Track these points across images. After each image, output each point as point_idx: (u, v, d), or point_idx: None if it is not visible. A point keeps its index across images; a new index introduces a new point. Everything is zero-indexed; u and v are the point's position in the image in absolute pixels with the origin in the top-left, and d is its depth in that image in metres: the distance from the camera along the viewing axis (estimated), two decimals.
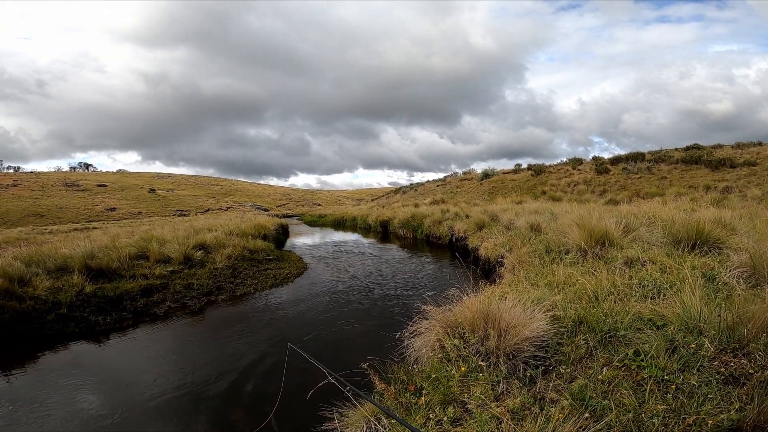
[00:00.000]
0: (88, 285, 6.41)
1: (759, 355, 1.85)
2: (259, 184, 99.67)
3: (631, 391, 1.75)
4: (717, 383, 1.71)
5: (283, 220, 25.85)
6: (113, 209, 49.57)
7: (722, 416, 1.37)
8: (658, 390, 1.73)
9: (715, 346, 2.01)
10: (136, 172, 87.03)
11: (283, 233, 19.98)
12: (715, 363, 1.87)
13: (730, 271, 3.32)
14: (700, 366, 1.89)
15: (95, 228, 21.66)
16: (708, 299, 2.68)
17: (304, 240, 19.01)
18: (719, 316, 2.20)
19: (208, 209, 56.52)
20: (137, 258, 8.37)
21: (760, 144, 23.14)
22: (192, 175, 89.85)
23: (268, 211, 55.71)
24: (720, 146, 24.39)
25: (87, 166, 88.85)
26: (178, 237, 10.19)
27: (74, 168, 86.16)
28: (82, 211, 47.05)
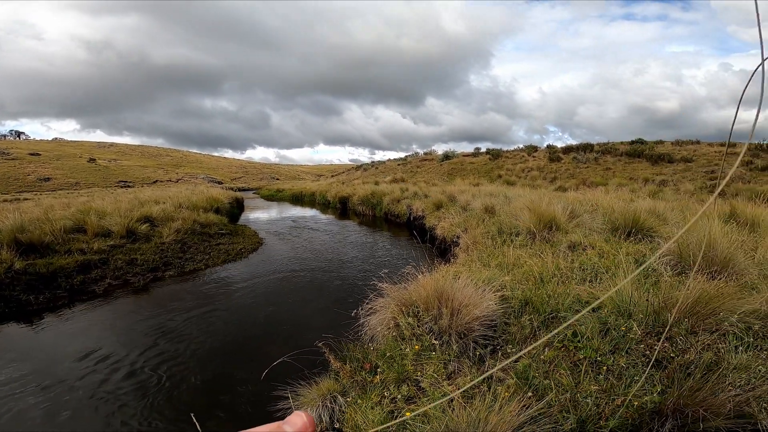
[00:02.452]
0: (18, 261, 5.85)
1: (680, 340, 2.07)
2: (213, 156, 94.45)
3: (568, 372, 1.90)
4: (642, 365, 1.90)
5: (238, 194, 24.87)
6: (47, 179, 45.01)
7: (646, 398, 1.53)
8: (592, 371, 1.90)
9: (642, 330, 2.22)
10: (75, 141, 78.98)
11: (237, 207, 19.27)
12: (641, 346, 2.07)
13: (659, 259, 3.65)
14: (628, 348, 2.08)
15: (26, 199, 19.67)
16: (638, 284, 2.94)
17: (260, 214, 18.45)
18: (647, 300, 2.43)
19: (156, 181, 52.91)
20: (74, 231, 7.74)
21: (697, 142, 25.27)
22: (138, 145, 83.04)
23: (222, 184, 53.23)
24: (661, 142, 26.36)
25: (19, 134, 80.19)
26: (121, 209, 9.51)
27: (4, 136, 77.17)
28: (12, 181, 42.30)
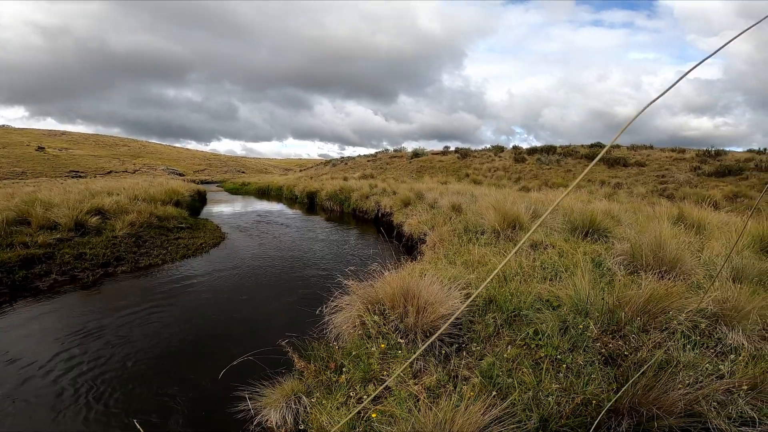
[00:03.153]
0: None
1: (633, 338, 2.17)
2: (174, 147, 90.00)
3: (530, 370, 1.94)
4: (599, 363, 1.98)
5: (201, 187, 23.87)
6: None
7: (603, 396, 1.59)
8: (552, 369, 1.95)
9: (599, 328, 2.31)
10: (22, 128, 72.71)
11: (199, 200, 18.49)
12: (597, 344, 2.15)
13: (614, 257, 3.83)
14: (585, 346, 2.16)
15: None
16: (594, 283, 3.06)
17: (223, 208, 17.80)
18: (603, 299, 2.53)
19: (111, 171, 49.77)
20: (16, 224, 7.14)
21: (651, 147, 26.88)
22: (92, 134, 77.68)
23: (183, 176, 50.91)
24: (618, 146, 27.82)
25: None
26: (69, 201, 8.85)
27: None
28: None
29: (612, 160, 22.65)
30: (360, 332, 2.80)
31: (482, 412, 1.49)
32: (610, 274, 3.48)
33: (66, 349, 3.73)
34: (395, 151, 36.39)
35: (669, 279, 3.16)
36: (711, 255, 3.93)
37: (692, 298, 2.52)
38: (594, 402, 1.57)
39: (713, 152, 21.79)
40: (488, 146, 32.34)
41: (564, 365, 1.97)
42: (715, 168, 17.87)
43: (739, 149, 22.89)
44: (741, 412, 1.54)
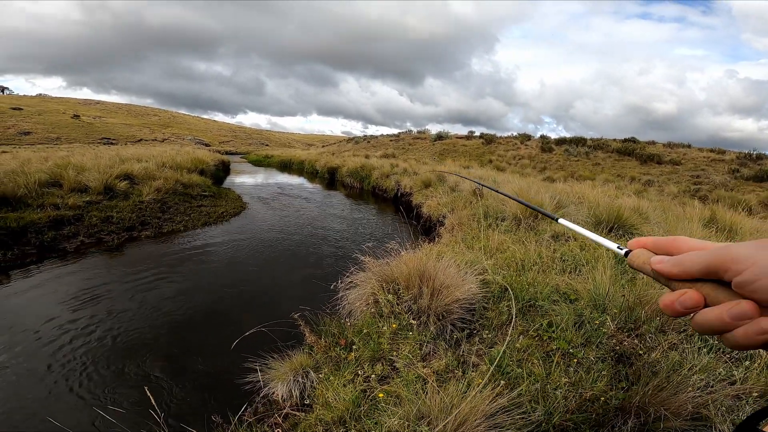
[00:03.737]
0: None
1: (650, 337, 2.10)
2: (202, 119, 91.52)
3: (541, 362, 1.91)
4: (611, 360, 1.93)
5: (225, 157, 24.27)
6: (27, 133, 43.01)
7: (611, 393, 1.55)
8: (563, 362, 1.92)
9: (615, 324, 2.25)
10: (59, 97, 75.42)
11: (223, 170, 18.85)
12: (612, 341, 2.10)
13: None
14: (599, 342, 2.11)
15: (4, 152, 18.80)
16: (615, 279, 2.97)
17: (245, 179, 18.08)
18: (623, 296, 2.45)
19: (141, 140, 51.13)
20: (49, 186, 7.45)
21: (688, 146, 25.59)
22: (125, 104, 79.86)
23: (209, 146, 51.83)
24: (653, 143, 26.63)
25: (2, 89, 76.68)
26: (100, 165, 9.16)
27: None
28: None
29: (645, 156, 21.71)
30: (373, 310, 2.81)
31: (489, 400, 1.49)
32: (632, 271, 3.37)
33: (83, 313, 3.86)
34: (419, 132, 35.89)
35: None
36: None
37: None
38: (602, 399, 1.54)
39: (755, 155, 20.57)
40: (514, 134, 31.49)
41: (575, 360, 1.93)
42: (755, 172, 16.88)
43: None
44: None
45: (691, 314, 0.39)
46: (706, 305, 0.37)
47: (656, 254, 0.43)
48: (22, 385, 2.73)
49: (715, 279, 0.37)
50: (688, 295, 0.37)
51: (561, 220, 0.59)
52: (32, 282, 4.55)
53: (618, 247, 0.47)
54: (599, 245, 0.51)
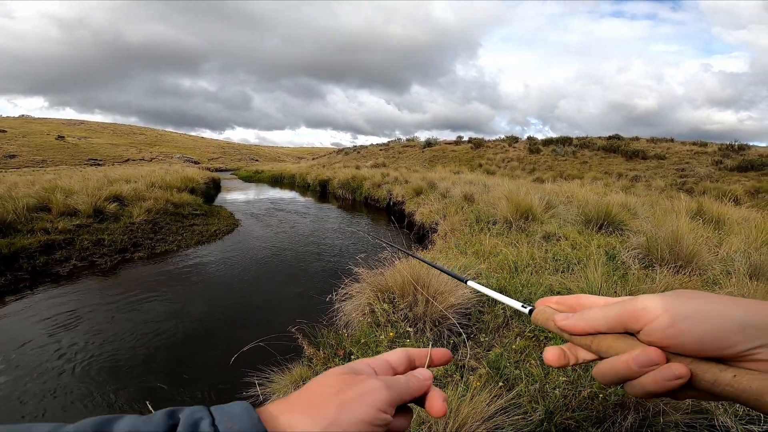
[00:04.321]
0: None
1: None
2: (190, 136, 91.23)
3: (538, 362, 1.93)
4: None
5: (215, 174, 24.19)
6: (12, 156, 42.52)
7: (610, 390, 1.57)
8: None
9: None
10: (42, 118, 74.72)
11: (214, 188, 18.77)
12: None
13: (628, 251, 3.76)
14: None
15: None
16: (608, 276, 3.02)
17: (237, 196, 18.03)
18: (615, 292, 2.49)
19: (128, 160, 50.79)
20: (37, 210, 7.37)
21: (671, 140, 26.13)
22: (110, 123, 79.44)
23: (198, 164, 51.61)
24: (637, 139, 27.14)
25: None
26: (89, 188, 9.10)
27: None
28: None
29: (630, 152, 22.11)
30: (369, 320, 2.82)
31: (488, 402, 1.50)
32: (624, 268, 3.42)
33: (82, 334, 3.86)
34: (408, 140, 36.16)
35: (684, 274, 3.09)
36: (729, 251, 3.82)
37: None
38: (601, 396, 1.56)
39: (736, 146, 21.08)
40: (502, 137, 31.89)
41: None
42: (738, 162, 17.29)
43: (763, 144, 22.10)
44: (748, 411, 1.51)
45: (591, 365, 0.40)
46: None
47: (560, 311, 0.44)
48: (22, 402, 2.68)
49: (619, 332, 0.38)
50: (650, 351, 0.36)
51: (470, 283, 0.61)
52: (25, 306, 4.48)
53: (522, 306, 0.48)
54: (505, 305, 0.54)
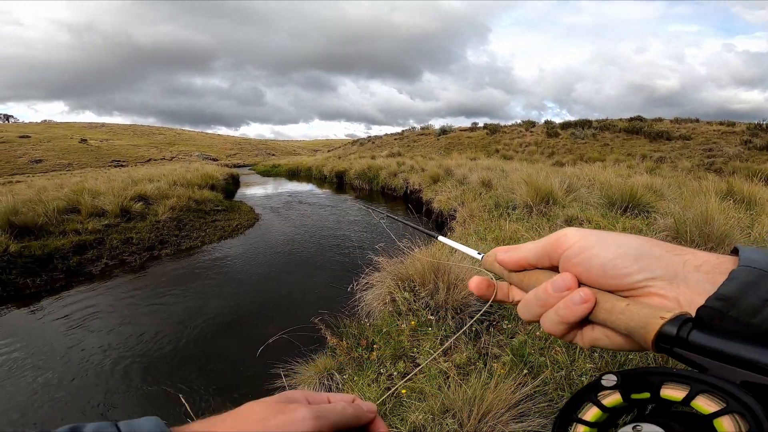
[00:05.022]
0: (13, 244, 5.77)
1: None
2: (207, 134, 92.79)
3: (563, 349, 1.91)
4: None
5: (234, 170, 24.57)
6: (39, 161, 44.22)
7: None
8: (587, 348, 1.90)
9: None
10: (64, 122, 77.13)
11: (233, 183, 19.09)
12: None
13: (655, 234, 3.64)
14: None
15: (19, 182, 19.38)
16: None
17: (256, 190, 18.30)
18: None
19: (150, 159, 52.07)
20: (67, 212, 7.66)
21: (696, 121, 25.02)
22: (130, 125, 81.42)
23: (217, 161, 52.50)
24: (660, 120, 26.09)
25: (7, 117, 79.36)
26: (114, 188, 9.40)
27: None
28: (4, 164, 41.57)
29: (654, 133, 21.29)
30: (390, 309, 2.83)
31: (513, 389, 1.49)
32: None
33: (118, 330, 4.05)
34: (422, 128, 35.80)
35: None
36: (762, 231, 3.65)
37: None
38: None
39: (765, 125, 20.01)
40: (518, 121, 31.20)
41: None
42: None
43: None
44: None
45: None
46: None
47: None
48: (77, 394, 2.84)
49: (547, 267, 0.40)
50: (562, 276, 0.38)
51: (440, 238, 0.63)
52: (63, 305, 4.71)
53: (477, 253, 0.49)
54: (463, 253, 0.54)
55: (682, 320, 0.29)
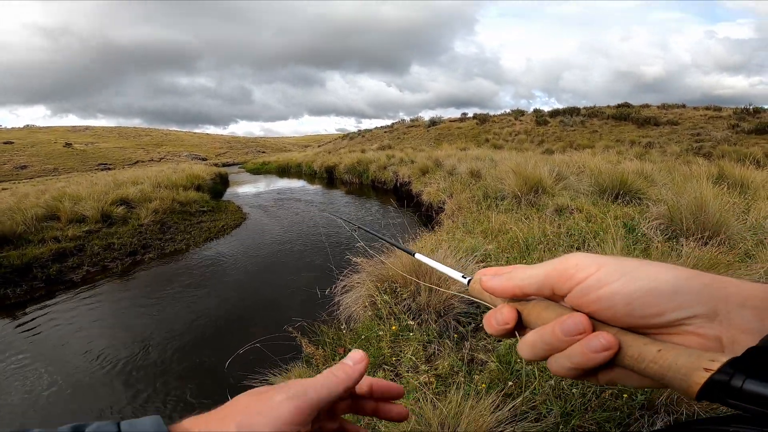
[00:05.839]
0: None
1: None
2: (195, 134, 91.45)
3: None
4: None
5: (223, 169, 24.17)
6: (24, 167, 43.28)
7: (636, 390, 1.39)
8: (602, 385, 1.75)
9: None
10: (47, 127, 75.38)
11: (221, 183, 18.75)
12: None
13: (649, 222, 3.51)
14: None
15: (4, 189, 18.93)
16: (628, 250, 2.80)
17: (244, 189, 18.00)
18: None
19: (137, 161, 51.18)
20: (47, 219, 7.40)
21: (683, 106, 25.15)
22: (115, 127, 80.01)
23: (206, 160, 51.80)
24: (647, 106, 26.18)
25: None
26: (95, 193, 9.10)
27: None
28: None
29: (642, 119, 21.35)
30: (370, 313, 2.67)
31: (495, 407, 1.34)
32: (645, 240, 3.19)
33: (97, 338, 3.87)
34: (412, 120, 35.56)
35: (713, 245, 2.84)
36: (758, 217, 3.53)
37: (742, 270, 2.20)
38: (625, 395, 1.38)
39: (752, 110, 20.21)
40: (508, 111, 31.10)
41: None
42: (755, 125, 16.63)
43: None
44: None
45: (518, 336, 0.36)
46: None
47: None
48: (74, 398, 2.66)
49: (548, 297, 0.34)
50: (504, 309, 0.35)
51: (417, 255, 0.60)
52: (43, 314, 4.51)
53: (462, 276, 0.45)
54: (448, 276, 0.48)
55: (732, 370, 0.24)
